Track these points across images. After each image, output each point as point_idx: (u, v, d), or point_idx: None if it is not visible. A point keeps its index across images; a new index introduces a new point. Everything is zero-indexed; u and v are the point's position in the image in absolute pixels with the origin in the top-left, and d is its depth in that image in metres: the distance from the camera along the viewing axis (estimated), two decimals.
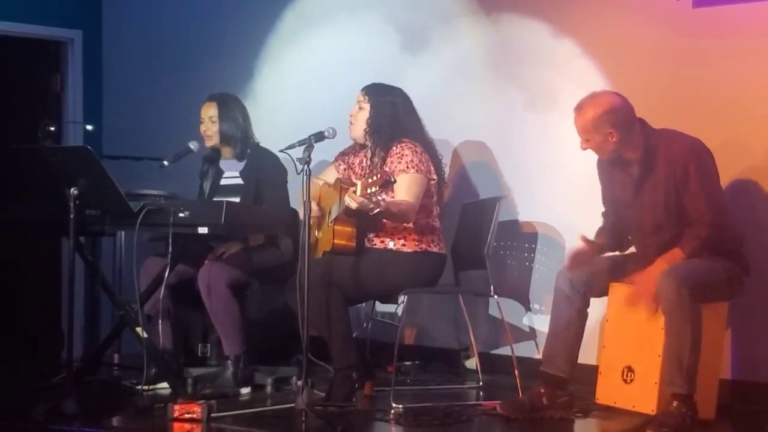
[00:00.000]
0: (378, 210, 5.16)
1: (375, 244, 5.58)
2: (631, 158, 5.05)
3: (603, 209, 5.34)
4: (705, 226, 4.93)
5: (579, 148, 5.07)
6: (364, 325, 6.40)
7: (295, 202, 5.91)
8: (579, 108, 5.04)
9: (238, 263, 5.85)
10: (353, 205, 5.10)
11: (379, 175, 4.98)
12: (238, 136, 6.07)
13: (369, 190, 4.98)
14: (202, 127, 6.11)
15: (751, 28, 5.42)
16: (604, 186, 5.30)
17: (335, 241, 5.44)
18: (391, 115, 5.64)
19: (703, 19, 5.58)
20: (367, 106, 5.67)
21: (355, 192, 5.05)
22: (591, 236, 5.25)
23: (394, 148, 5.56)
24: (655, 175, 5.01)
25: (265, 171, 6.02)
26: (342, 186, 5.43)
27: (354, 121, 5.70)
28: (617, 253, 5.31)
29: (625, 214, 5.17)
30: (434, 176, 5.61)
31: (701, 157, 4.99)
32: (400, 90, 5.75)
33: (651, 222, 5.06)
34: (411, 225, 5.54)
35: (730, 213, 5.05)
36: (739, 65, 5.45)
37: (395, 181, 5.14)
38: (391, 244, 5.57)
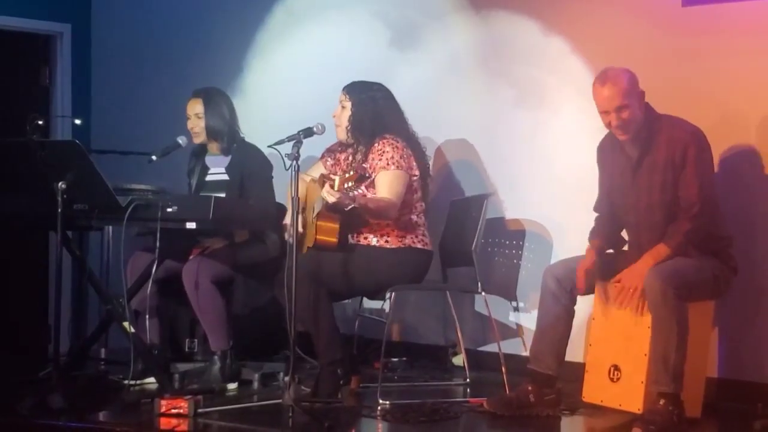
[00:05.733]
0: (353, 206, 5.16)
1: (358, 241, 5.58)
2: (632, 138, 5.06)
3: (596, 206, 5.33)
4: (690, 217, 4.93)
5: (612, 126, 4.99)
6: (352, 321, 6.41)
7: (282, 197, 5.91)
8: (607, 77, 4.98)
9: (222, 259, 5.83)
10: (330, 200, 5.11)
11: (354, 171, 4.99)
12: (225, 130, 6.04)
13: (345, 185, 4.99)
14: (189, 124, 6.08)
15: (741, 26, 5.44)
16: (602, 172, 5.29)
17: (317, 236, 5.43)
18: (372, 111, 5.64)
19: (693, 18, 5.59)
20: (348, 105, 5.67)
21: (332, 186, 5.06)
22: (584, 239, 5.27)
23: (376, 144, 5.57)
24: (655, 157, 5.01)
25: (250, 166, 5.99)
26: (324, 181, 5.44)
27: (338, 122, 5.70)
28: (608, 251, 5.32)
29: (622, 203, 5.17)
30: (416, 172, 5.60)
31: (701, 144, 5.01)
32: (380, 85, 5.75)
33: (646, 204, 5.06)
34: (393, 222, 5.53)
35: (719, 207, 5.06)
36: (729, 64, 5.46)
37: (369, 176, 5.14)
38: (374, 241, 5.57)
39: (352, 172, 5.00)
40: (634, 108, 4.99)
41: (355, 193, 5.05)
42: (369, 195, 5.39)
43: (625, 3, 5.84)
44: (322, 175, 5.64)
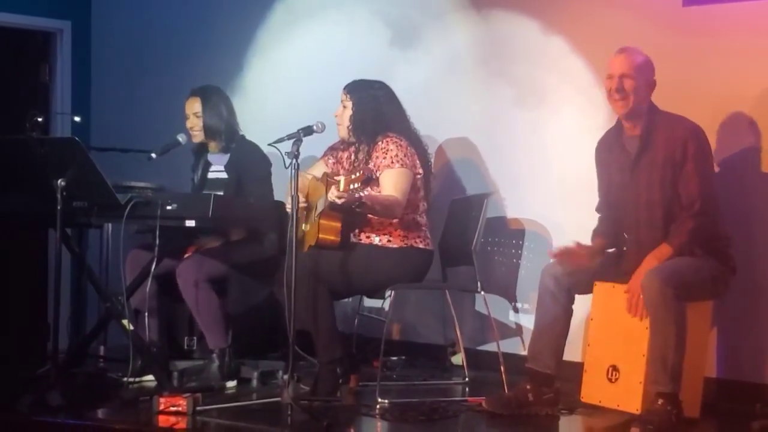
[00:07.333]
0: (360, 204, 5.16)
1: (361, 240, 5.58)
2: (632, 134, 5.06)
3: (597, 206, 5.33)
4: (692, 215, 4.93)
5: (611, 91, 5.01)
6: (352, 320, 6.40)
7: (282, 195, 5.90)
8: (627, 48, 5.08)
9: (216, 258, 5.82)
10: (338, 201, 5.11)
11: (361, 172, 4.98)
12: (222, 128, 6.03)
13: (352, 186, 4.98)
14: (188, 123, 6.07)
15: (741, 27, 5.44)
16: (601, 171, 5.28)
17: (320, 235, 5.44)
18: (374, 109, 5.64)
19: (694, 18, 5.60)
20: (350, 104, 5.67)
21: (338, 188, 5.06)
22: (585, 239, 5.27)
23: (380, 143, 5.57)
24: (654, 155, 5.01)
25: (247, 164, 5.98)
26: (328, 180, 5.43)
27: (340, 121, 5.70)
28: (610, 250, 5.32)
29: (621, 197, 5.16)
30: (420, 170, 5.61)
31: (701, 142, 5.01)
32: (380, 83, 5.75)
33: (645, 201, 5.06)
34: (397, 221, 5.54)
35: (719, 206, 5.06)
36: (729, 64, 5.46)
37: (376, 178, 5.14)
38: (376, 240, 5.57)
39: (358, 174, 4.99)
40: (639, 86, 5.00)
41: (362, 194, 5.05)
42: (374, 193, 5.38)
43: (625, 3, 5.84)
44: (326, 174, 5.63)
